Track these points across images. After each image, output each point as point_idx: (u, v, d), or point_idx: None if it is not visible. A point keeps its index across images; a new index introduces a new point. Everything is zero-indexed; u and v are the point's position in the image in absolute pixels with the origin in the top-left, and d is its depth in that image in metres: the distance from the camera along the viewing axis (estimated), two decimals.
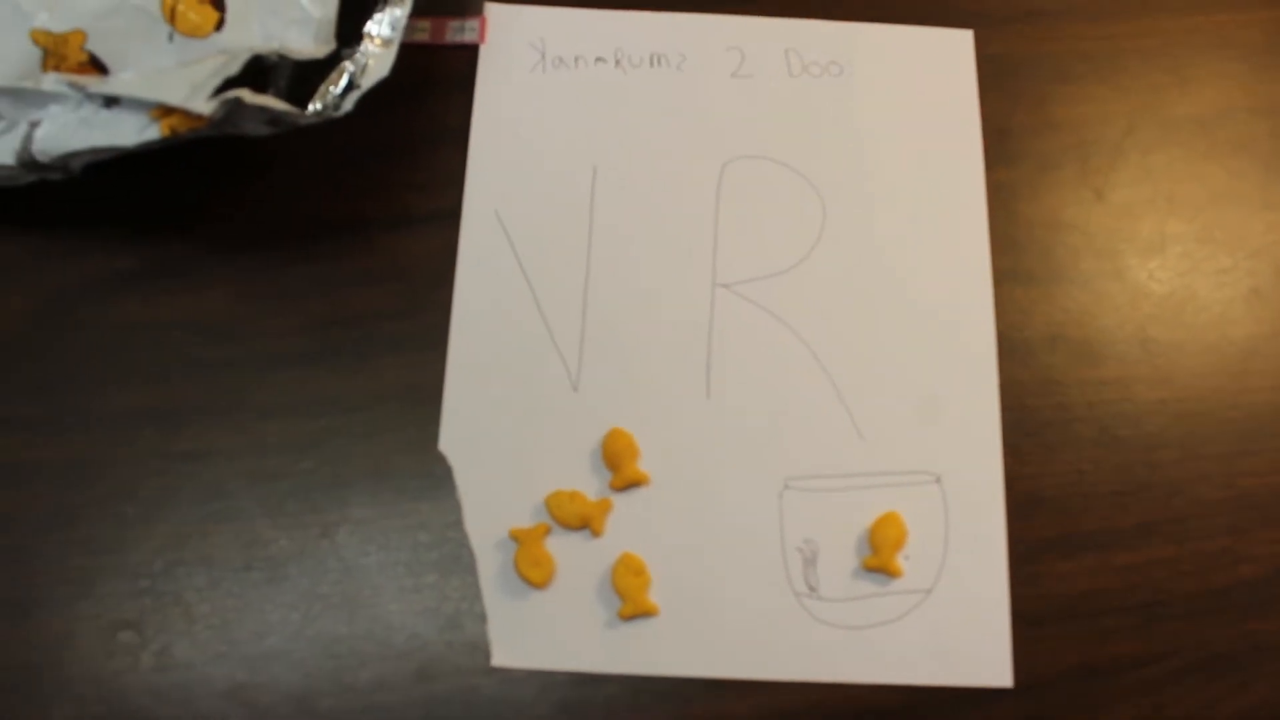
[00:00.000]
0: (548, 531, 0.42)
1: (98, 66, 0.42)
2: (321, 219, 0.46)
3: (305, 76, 0.42)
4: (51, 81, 0.40)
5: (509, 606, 0.41)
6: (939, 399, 0.43)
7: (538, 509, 0.42)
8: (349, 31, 0.43)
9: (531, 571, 0.41)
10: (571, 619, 0.41)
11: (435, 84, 0.47)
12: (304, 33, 0.42)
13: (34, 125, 0.41)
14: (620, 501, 0.42)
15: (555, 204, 0.45)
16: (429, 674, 0.40)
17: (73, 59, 0.42)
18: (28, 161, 0.42)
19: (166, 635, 0.41)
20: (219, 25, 0.42)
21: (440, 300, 0.44)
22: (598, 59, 0.47)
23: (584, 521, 0.41)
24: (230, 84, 0.39)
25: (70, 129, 0.41)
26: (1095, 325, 0.45)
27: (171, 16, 0.42)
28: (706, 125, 0.46)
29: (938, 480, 0.42)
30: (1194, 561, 0.42)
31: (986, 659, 0.40)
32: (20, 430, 0.43)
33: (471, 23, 0.48)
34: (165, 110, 0.39)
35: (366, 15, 0.43)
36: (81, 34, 0.42)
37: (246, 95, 0.39)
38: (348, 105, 0.41)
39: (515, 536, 0.41)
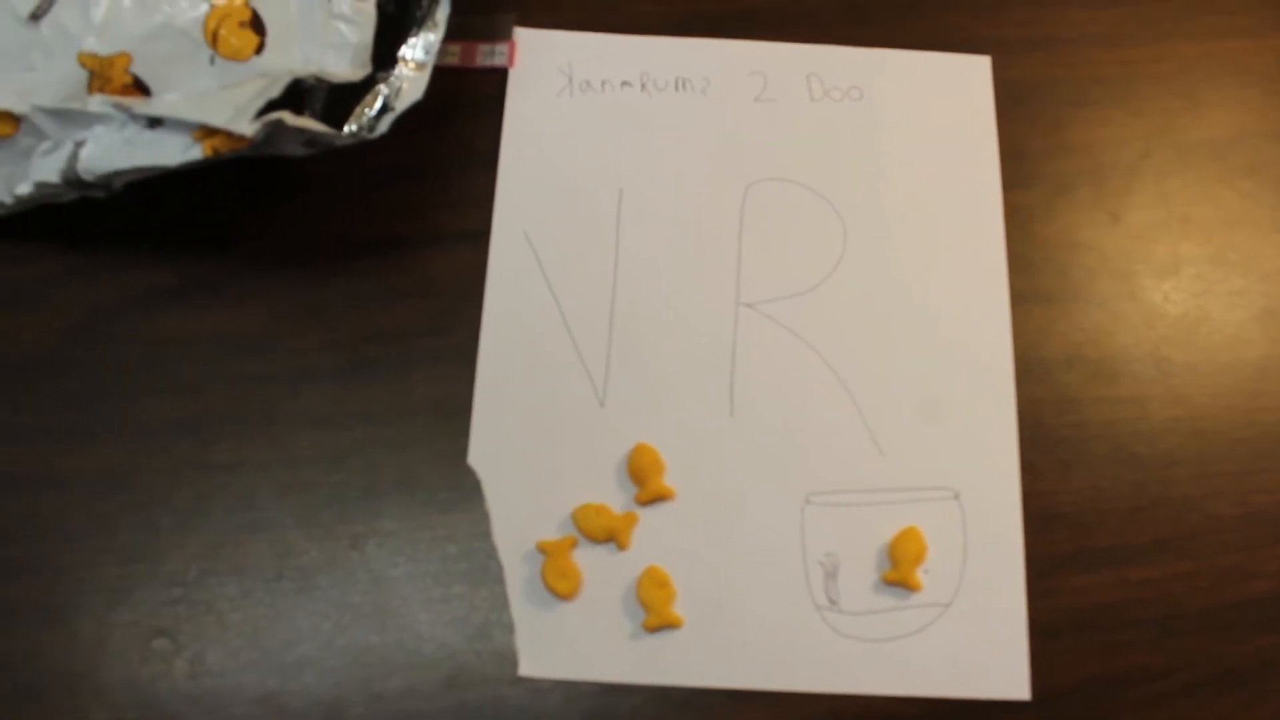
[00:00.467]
0: (574, 544, 0.42)
1: (141, 88, 0.43)
2: (354, 238, 0.47)
3: (340, 99, 0.43)
4: (98, 103, 0.42)
5: (536, 617, 0.42)
6: (957, 415, 0.44)
7: (564, 522, 0.43)
8: (384, 56, 0.44)
9: (558, 583, 0.42)
10: (597, 630, 0.41)
11: (465, 107, 0.49)
12: (341, 57, 0.43)
13: (79, 145, 0.42)
14: (645, 515, 0.43)
15: (582, 224, 0.46)
16: (457, 683, 0.41)
17: (117, 81, 0.43)
18: (72, 180, 0.43)
19: (200, 643, 0.42)
20: (259, 49, 0.44)
21: (470, 317, 0.45)
22: (624, 83, 0.49)
23: (610, 534, 0.42)
24: (272, 106, 0.41)
25: (115, 149, 0.42)
26: (1111, 345, 0.45)
27: (213, 41, 0.43)
28: (730, 148, 0.48)
29: (956, 496, 0.43)
30: (1207, 577, 0.42)
31: (1004, 671, 0.41)
32: (58, 441, 0.44)
33: (501, 47, 0.49)
34: (208, 131, 0.40)
35: (401, 40, 0.44)
36: (127, 57, 0.43)
37: (288, 117, 0.40)
38: (383, 127, 0.42)
39: (542, 548, 0.42)
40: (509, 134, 0.48)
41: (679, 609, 0.42)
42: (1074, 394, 0.45)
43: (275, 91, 0.41)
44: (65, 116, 0.42)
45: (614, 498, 0.43)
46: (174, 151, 0.41)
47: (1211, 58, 0.50)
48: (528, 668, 0.41)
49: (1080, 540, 0.43)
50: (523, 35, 0.50)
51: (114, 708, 0.41)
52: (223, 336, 0.45)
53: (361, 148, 0.43)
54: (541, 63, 0.49)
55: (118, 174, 0.42)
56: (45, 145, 0.43)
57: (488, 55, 0.49)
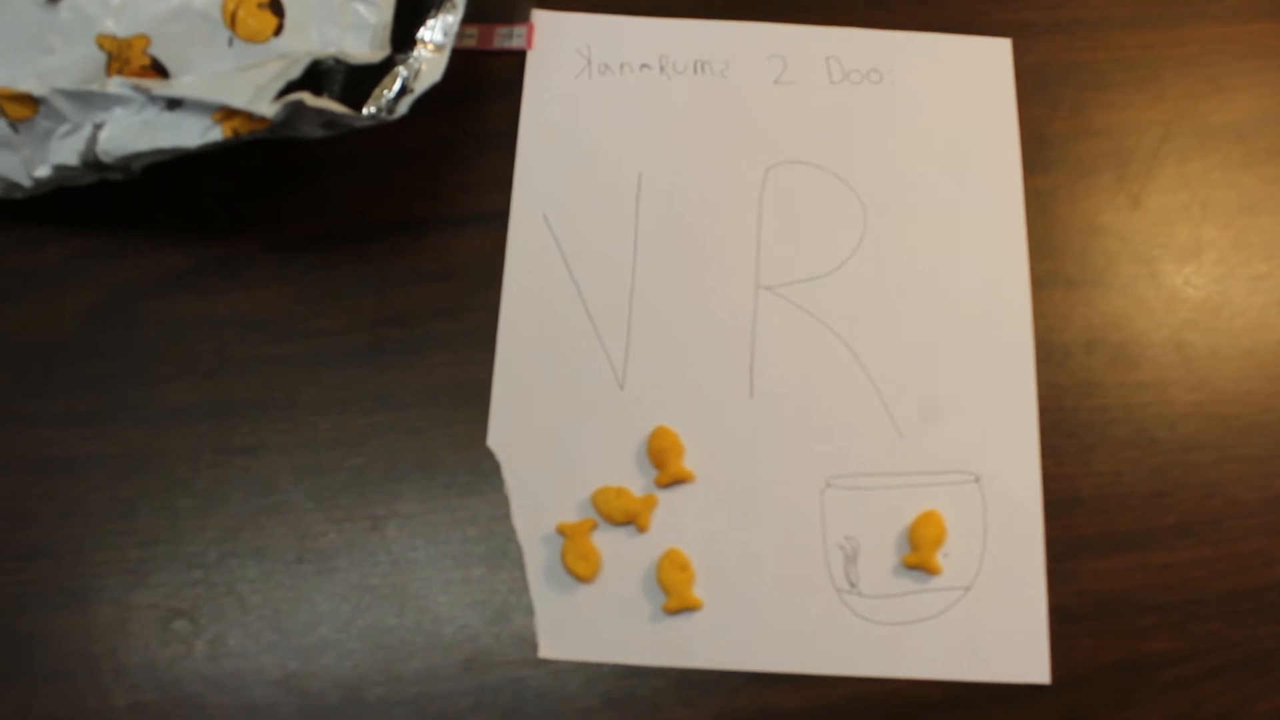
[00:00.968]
0: (594, 526, 0.42)
1: (159, 70, 0.43)
2: (372, 220, 0.47)
3: (359, 81, 0.43)
4: (116, 85, 0.41)
5: (556, 599, 0.42)
6: (977, 399, 0.44)
7: (584, 504, 0.43)
8: (402, 37, 0.44)
9: (578, 565, 0.42)
10: (617, 612, 0.41)
11: (483, 89, 0.48)
12: (360, 38, 0.43)
13: (98, 127, 0.42)
14: (665, 498, 0.43)
15: (601, 207, 0.46)
16: (477, 665, 0.41)
17: (136, 63, 0.43)
18: (91, 162, 0.43)
19: (220, 625, 0.42)
20: (278, 31, 0.43)
21: (489, 300, 0.45)
22: (643, 65, 0.48)
23: (630, 517, 0.42)
24: (291, 87, 0.40)
25: (134, 131, 0.42)
26: (1132, 329, 0.45)
27: (232, 22, 0.43)
28: (749, 131, 0.47)
29: (977, 479, 0.43)
30: (1230, 561, 0.42)
31: (1024, 656, 0.41)
32: (78, 424, 0.44)
33: (519, 29, 0.49)
34: (228, 112, 0.40)
35: (420, 22, 0.44)
36: (145, 39, 0.43)
37: (308, 98, 0.40)
38: (402, 109, 0.42)
39: (562, 531, 0.42)
40: (527, 116, 0.48)
41: (699, 591, 0.42)
42: (1095, 378, 0.44)
43: (295, 73, 0.41)
44: (84, 99, 0.42)
45: (634, 480, 0.43)
46: (193, 133, 0.41)
47: (1234, 41, 0.50)
48: (547, 650, 0.41)
49: (1101, 524, 0.42)
50: (541, 17, 0.49)
51: (135, 689, 0.41)
52: (241, 319, 0.46)
53: (380, 129, 0.43)
54: (560, 45, 0.49)
55: (137, 156, 0.42)
56: (64, 128, 0.43)
57: (506, 37, 0.49)
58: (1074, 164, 0.48)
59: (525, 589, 0.42)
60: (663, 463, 0.43)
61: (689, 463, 0.43)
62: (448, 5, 0.44)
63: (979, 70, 0.48)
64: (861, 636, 0.41)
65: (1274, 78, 0.49)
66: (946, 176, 0.47)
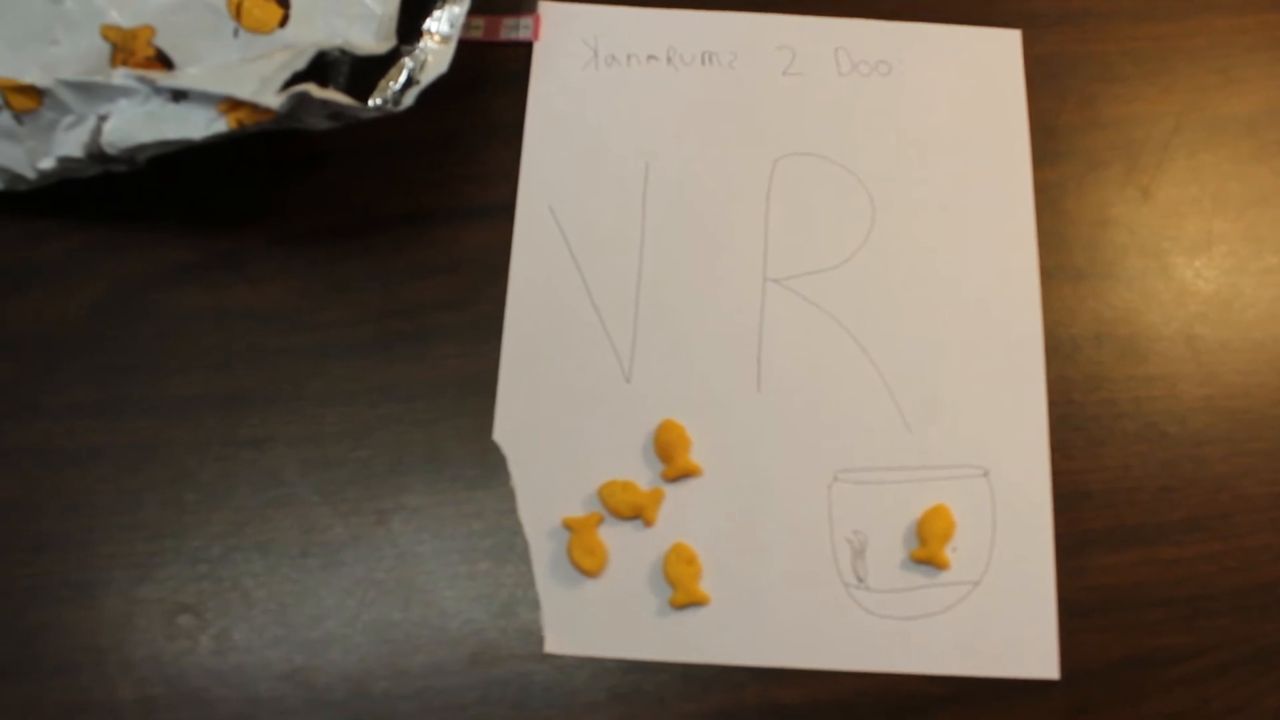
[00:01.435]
0: (600, 520, 0.42)
1: (164, 61, 0.43)
2: (377, 212, 0.47)
3: (365, 72, 0.42)
4: (121, 76, 0.41)
5: (562, 594, 0.42)
6: (986, 393, 0.43)
7: (590, 498, 0.43)
8: (409, 29, 0.43)
9: (584, 560, 0.42)
10: (624, 607, 0.41)
11: (489, 80, 0.48)
12: (366, 29, 0.43)
13: (102, 119, 0.42)
14: (672, 492, 0.43)
15: (608, 199, 0.46)
16: (482, 659, 0.41)
17: (140, 54, 0.43)
18: (96, 154, 0.42)
19: (225, 619, 0.42)
20: (283, 22, 0.43)
21: (495, 292, 0.45)
22: (650, 56, 0.48)
23: (636, 511, 0.42)
24: (297, 79, 0.40)
25: (138, 122, 0.41)
26: (1141, 322, 0.45)
27: (237, 13, 0.43)
28: (757, 122, 0.47)
29: (985, 474, 0.42)
30: (1239, 556, 0.42)
31: (1033, 651, 0.41)
32: (84, 417, 0.44)
33: (526, 20, 0.49)
34: (233, 104, 0.40)
35: (426, 13, 0.43)
36: (150, 29, 0.43)
37: (314, 89, 0.39)
38: (408, 100, 0.42)
39: (568, 525, 0.42)
40: (534, 108, 0.47)
41: (706, 586, 0.41)
42: (1104, 372, 0.44)
43: (300, 64, 0.40)
44: (88, 90, 0.42)
45: (640, 474, 0.43)
46: (198, 124, 0.41)
47: (1245, 32, 0.49)
48: (554, 645, 0.41)
49: (1110, 519, 0.42)
50: (547, 9, 0.49)
51: (141, 683, 0.41)
52: (248, 311, 0.45)
53: (385, 121, 0.43)
54: (566, 36, 0.48)
55: (141, 148, 0.42)
56: (68, 119, 0.43)
57: (512, 29, 0.49)
58: (1083, 156, 0.47)
59: (531, 583, 0.42)
60: (669, 456, 0.43)
61: (696, 456, 0.43)
62: None
63: (988, 62, 0.48)
64: (869, 631, 0.41)
65: None
66: (955, 169, 0.46)
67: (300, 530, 0.43)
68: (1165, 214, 0.47)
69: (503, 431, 0.43)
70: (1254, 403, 0.44)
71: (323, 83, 0.41)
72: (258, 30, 0.43)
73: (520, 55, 0.49)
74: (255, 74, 0.40)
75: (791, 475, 0.42)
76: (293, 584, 0.42)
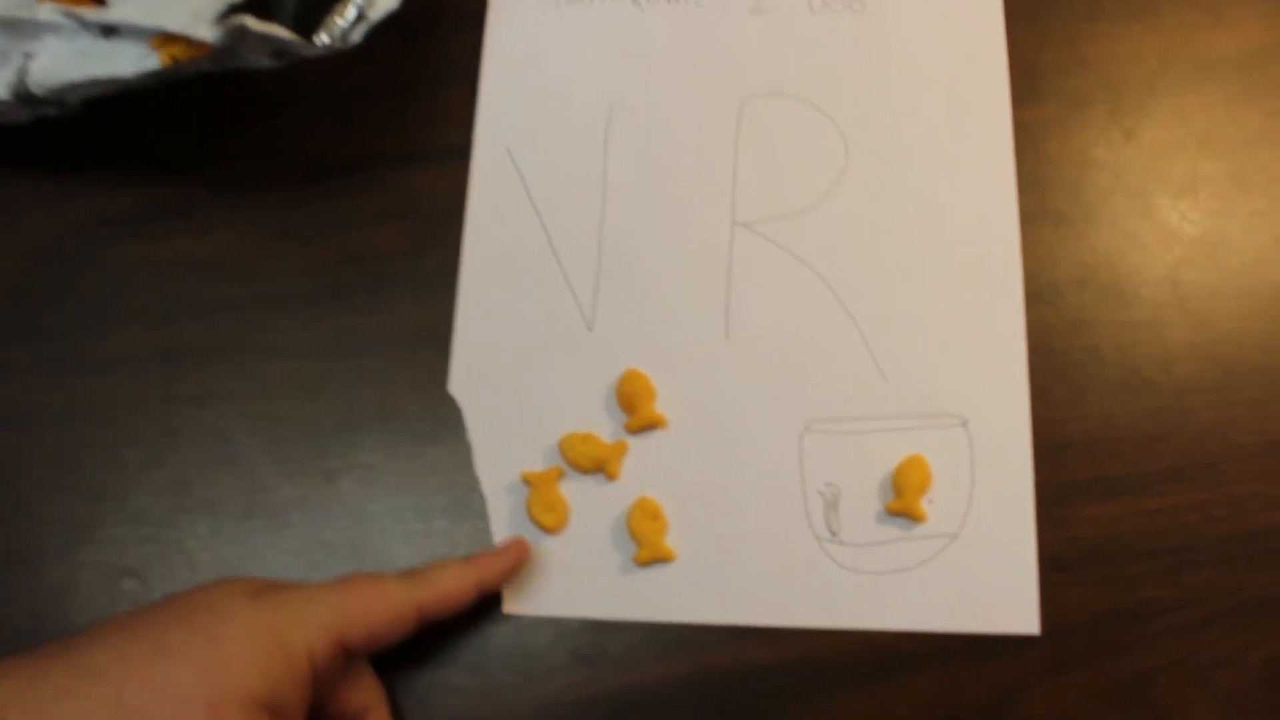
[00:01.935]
0: (561, 475, 0.41)
1: None
2: (328, 157, 0.45)
3: (311, 8, 0.40)
4: (47, 11, 0.39)
5: None
6: (964, 339, 0.42)
7: (550, 452, 0.41)
8: None
9: (544, 516, 0.40)
10: (586, 565, 0.40)
11: (445, 19, 0.46)
12: None
13: (29, 57, 0.40)
14: (636, 444, 0.41)
15: (569, 141, 0.44)
16: (440, 622, 0.39)
17: None
18: (23, 95, 0.40)
19: (169, 583, 0.40)
20: None
21: (451, 239, 0.43)
22: None
23: (599, 464, 0.40)
24: (234, 11, 0.38)
25: (66, 60, 0.39)
26: (1125, 266, 0.43)
27: None
28: (725, 62, 0.45)
29: (964, 423, 0.41)
30: (1225, 506, 0.40)
31: (1013, 605, 0.39)
32: (21, 375, 0.43)
33: None
34: (166, 38, 0.38)
35: None
36: None
37: (251, 22, 0.37)
38: (356, 37, 0.40)
39: (527, 480, 0.40)
40: (491, 47, 0.45)
41: (672, 542, 0.40)
42: (1086, 317, 0.42)
43: None
44: (13, 27, 0.39)
45: (603, 426, 0.41)
46: (129, 61, 0.39)
47: None
48: (512, 605, 0.39)
49: (1092, 469, 0.41)
50: None
51: None
52: (191, 263, 0.44)
53: (335, 62, 0.41)
54: None
55: (72, 87, 0.40)
56: None
57: None
58: (1065, 96, 0.45)
59: (489, 541, 0.40)
60: (633, 407, 0.41)
61: (661, 407, 0.41)
62: None
63: None
64: (843, 587, 0.39)
65: (1275, 8, 0.47)
66: (931, 109, 0.44)
67: (245, 490, 0.41)
68: (1150, 156, 0.45)
69: (458, 384, 0.42)
70: (1241, 349, 0.42)
71: (266, 18, 0.39)
72: None
73: None
74: (188, 6, 0.38)
75: (761, 426, 0.41)
76: (238, 547, 0.41)
